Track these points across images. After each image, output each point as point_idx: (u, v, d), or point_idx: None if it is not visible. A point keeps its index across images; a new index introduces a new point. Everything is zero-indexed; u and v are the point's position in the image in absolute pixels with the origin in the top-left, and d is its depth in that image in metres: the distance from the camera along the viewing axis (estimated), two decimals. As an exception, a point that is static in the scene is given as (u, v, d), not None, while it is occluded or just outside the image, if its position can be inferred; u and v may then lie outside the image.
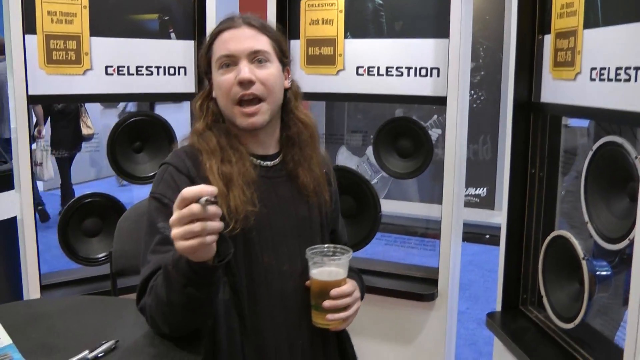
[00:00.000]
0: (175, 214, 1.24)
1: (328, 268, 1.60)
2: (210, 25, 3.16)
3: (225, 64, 1.57)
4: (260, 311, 1.60)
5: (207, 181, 1.51)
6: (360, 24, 3.05)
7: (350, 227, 3.10)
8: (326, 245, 1.65)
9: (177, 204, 1.23)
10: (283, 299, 1.63)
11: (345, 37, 3.06)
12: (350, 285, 1.62)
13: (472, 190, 6.63)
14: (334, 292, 1.58)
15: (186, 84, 3.20)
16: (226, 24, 1.61)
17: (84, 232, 3.07)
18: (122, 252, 2.40)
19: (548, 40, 2.38)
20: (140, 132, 3.18)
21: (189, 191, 1.22)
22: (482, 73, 6.47)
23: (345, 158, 4.33)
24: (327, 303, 1.57)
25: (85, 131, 6.30)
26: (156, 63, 3.10)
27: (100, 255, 3.05)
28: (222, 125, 1.63)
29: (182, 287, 1.32)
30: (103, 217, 3.09)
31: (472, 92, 6.40)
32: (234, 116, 1.57)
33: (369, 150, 4.26)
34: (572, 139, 2.53)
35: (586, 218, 2.14)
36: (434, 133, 5.54)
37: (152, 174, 3.19)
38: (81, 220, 3.06)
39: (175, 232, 1.24)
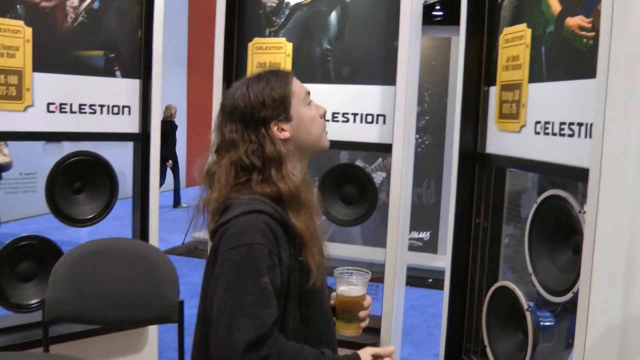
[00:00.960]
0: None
1: (359, 287, 1.80)
2: (157, 64, 3.12)
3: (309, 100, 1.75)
4: (320, 334, 1.70)
5: (294, 228, 1.61)
6: (307, 68, 3.05)
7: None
8: (351, 268, 1.83)
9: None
10: (329, 318, 1.78)
11: (292, 81, 3.04)
12: (369, 298, 1.85)
13: (415, 234, 6.66)
14: (367, 303, 1.82)
15: (130, 124, 3.14)
16: (285, 70, 1.77)
17: (17, 277, 2.92)
18: (57, 299, 2.32)
19: (494, 91, 2.41)
20: (80, 172, 3.09)
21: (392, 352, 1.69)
22: (427, 117, 6.55)
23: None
24: (362, 313, 1.80)
25: (1, 159, 6.10)
26: (100, 101, 3.03)
27: (33, 302, 2.92)
28: None
29: None
30: (39, 261, 2.96)
31: (417, 136, 6.47)
32: (323, 140, 1.75)
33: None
34: (515, 183, 2.55)
35: (530, 270, 2.15)
36: (378, 176, 5.57)
37: (91, 216, 3.10)
38: (15, 264, 2.92)
39: None
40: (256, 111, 1.65)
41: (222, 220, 1.55)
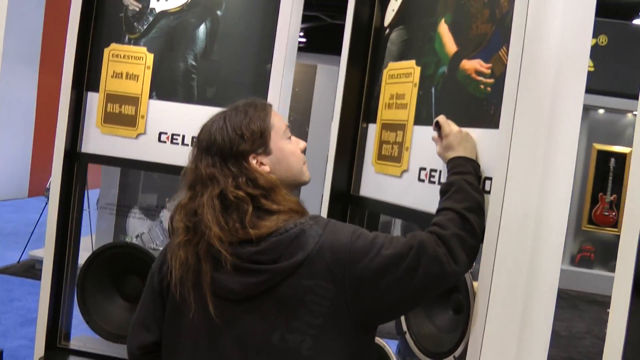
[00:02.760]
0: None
1: None
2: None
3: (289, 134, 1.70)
4: None
5: None
6: (168, 84, 2.76)
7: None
8: None
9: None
10: None
11: (150, 97, 2.74)
12: None
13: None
14: None
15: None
16: (263, 102, 1.72)
17: None
18: None
19: (373, 129, 2.23)
20: None
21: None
22: (288, 146, 6.41)
23: (136, 221, 3.95)
24: None
25: None
26: None
27: None
28: None
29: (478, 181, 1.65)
30: None
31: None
32: (303, 175, 1.70)
33: (164, 214, 3.92)
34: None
35: (404, 327, 1.97)
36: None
37: None
38: None
39: None
40: (235, 144, 1.59)
41: (311, 246, 1.49)
